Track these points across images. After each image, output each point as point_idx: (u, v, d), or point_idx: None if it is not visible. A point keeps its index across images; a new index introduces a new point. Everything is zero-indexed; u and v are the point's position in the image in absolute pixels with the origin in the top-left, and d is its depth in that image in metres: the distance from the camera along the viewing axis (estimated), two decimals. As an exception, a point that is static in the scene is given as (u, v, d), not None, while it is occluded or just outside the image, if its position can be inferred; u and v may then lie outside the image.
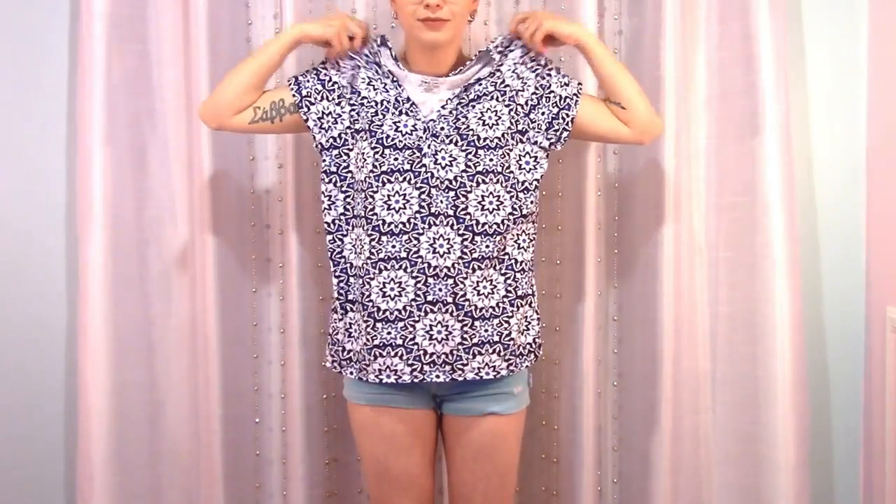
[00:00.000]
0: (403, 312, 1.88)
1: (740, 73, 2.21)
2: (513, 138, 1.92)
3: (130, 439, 2.26)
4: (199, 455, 2.30)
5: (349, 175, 1.94)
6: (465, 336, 1.88)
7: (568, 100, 1.95)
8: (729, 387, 2.28)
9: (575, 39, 1.94)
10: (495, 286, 1.91)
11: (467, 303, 1.88)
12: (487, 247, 1.89)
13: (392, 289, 1.87)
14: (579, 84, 1.98)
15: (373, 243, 1.89)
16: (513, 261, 1.93)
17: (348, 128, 1.95)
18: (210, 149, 2.21)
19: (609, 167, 2.29)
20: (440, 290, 1.87)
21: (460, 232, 1.88)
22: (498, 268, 1.91)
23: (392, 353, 1.88)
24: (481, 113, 1.92)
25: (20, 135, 2.34)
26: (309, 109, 1.96)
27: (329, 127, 1.95)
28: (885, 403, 2.23)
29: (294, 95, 1.96)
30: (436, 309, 1.87)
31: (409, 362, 1.88)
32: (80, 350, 2.23)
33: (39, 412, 2.36)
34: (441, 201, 1.87)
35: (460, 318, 1.88)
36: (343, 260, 1.96)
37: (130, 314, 2.26)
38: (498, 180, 1.90)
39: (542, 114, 1.94)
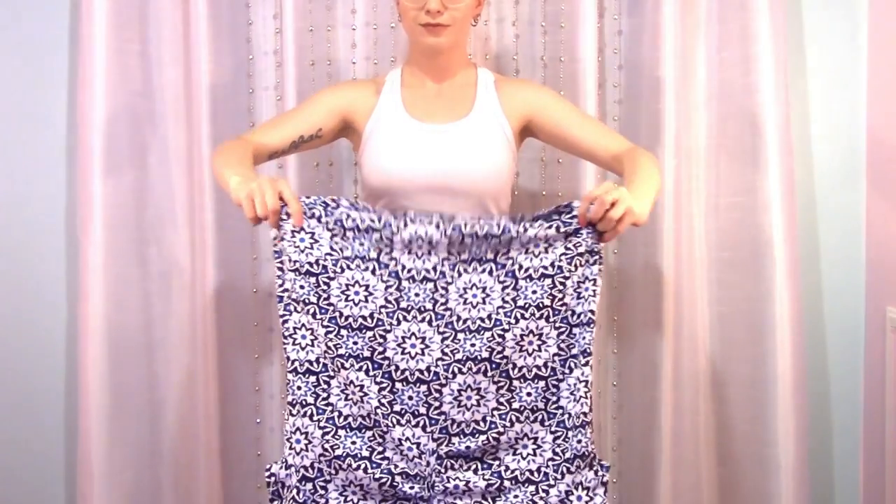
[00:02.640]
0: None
1: (740, 72, 2.21)
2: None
3: (130, 439, 2.26)
4: (200, 455, 2.30)
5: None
6: None
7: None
8: (728, 386, 2.28)
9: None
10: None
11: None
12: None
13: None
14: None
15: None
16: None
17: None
18: (210, 149, 2.21)
19: (609, 167, 2.29)
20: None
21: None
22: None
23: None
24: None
25: (20, 135, 2.34)
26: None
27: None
28: (885, 403, 2.23)
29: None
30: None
31: None
32: (81, 350, 2.23)
33: (40, 412, 2.36)
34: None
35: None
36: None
37: (130, 314, 2.26)
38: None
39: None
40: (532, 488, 1.65)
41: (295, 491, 1.67)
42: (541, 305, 1.64)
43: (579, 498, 1.64)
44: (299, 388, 1.67)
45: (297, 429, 1.67)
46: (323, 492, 1.68)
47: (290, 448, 1.67)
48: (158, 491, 2.31)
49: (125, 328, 2.25)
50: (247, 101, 2.30)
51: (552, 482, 1.65)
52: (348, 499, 1.68)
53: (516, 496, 1.65)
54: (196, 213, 2.26)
